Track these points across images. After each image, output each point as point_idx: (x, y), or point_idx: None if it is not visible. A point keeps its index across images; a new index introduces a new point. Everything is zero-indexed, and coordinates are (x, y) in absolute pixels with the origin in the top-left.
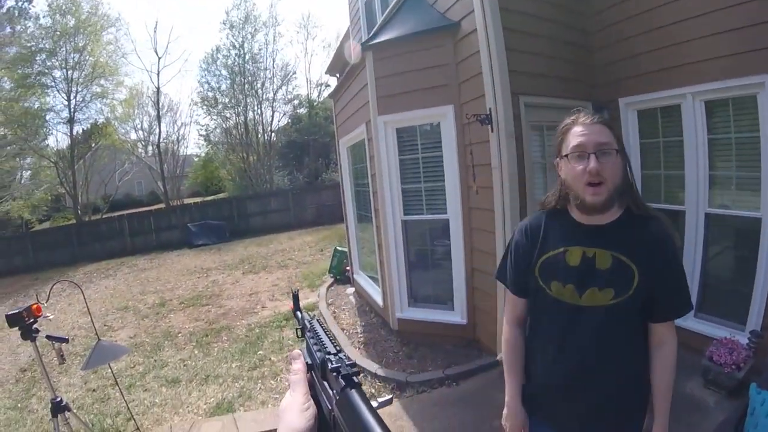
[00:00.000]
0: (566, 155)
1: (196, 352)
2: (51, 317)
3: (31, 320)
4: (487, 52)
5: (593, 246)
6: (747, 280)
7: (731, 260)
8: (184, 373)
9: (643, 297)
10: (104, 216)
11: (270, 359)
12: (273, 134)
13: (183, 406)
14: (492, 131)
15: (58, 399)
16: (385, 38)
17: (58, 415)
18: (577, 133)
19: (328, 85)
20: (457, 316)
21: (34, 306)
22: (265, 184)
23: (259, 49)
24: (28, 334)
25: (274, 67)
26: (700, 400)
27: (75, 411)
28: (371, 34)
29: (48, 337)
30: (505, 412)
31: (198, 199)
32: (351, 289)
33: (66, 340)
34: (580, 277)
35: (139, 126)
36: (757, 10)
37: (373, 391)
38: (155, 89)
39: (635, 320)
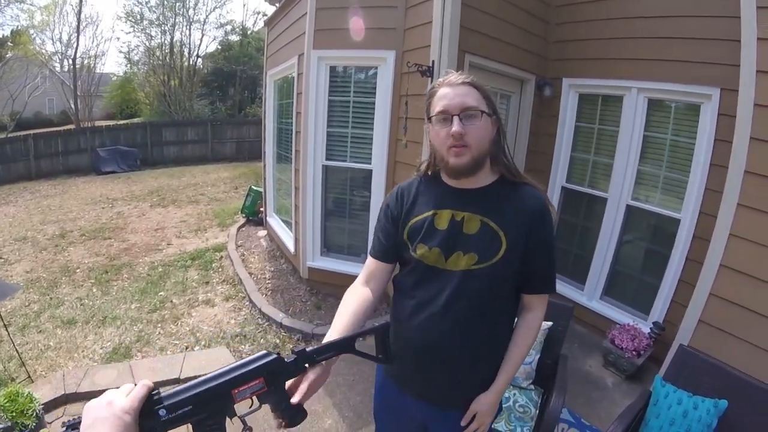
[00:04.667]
0: (431, 118)
1: (94, 290)
2: None
3: None
4: (440, 2)
5: (463, 210)
6: (656, 274)
7: (644, 253)
8: (80, 313)
9: (510, 266)
10: (9, 135)
11: (171, 301)
12: (199, 59)
13: (78, 350)
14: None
15: None
16: None
17: None
18: (442, 95)
19: (265, 14)
20: None
21: None
22: (184, 112)
23: None
24: None
25: None
26: (599, 378)
27: None
28: None
29: None
30: None
31: (111, 122)
32: (263, 232)
33: None
34: (447, 241)
35: (57, 38)
36: (721, 26)
37: (277, 341)
38: None
39: (500, 290)
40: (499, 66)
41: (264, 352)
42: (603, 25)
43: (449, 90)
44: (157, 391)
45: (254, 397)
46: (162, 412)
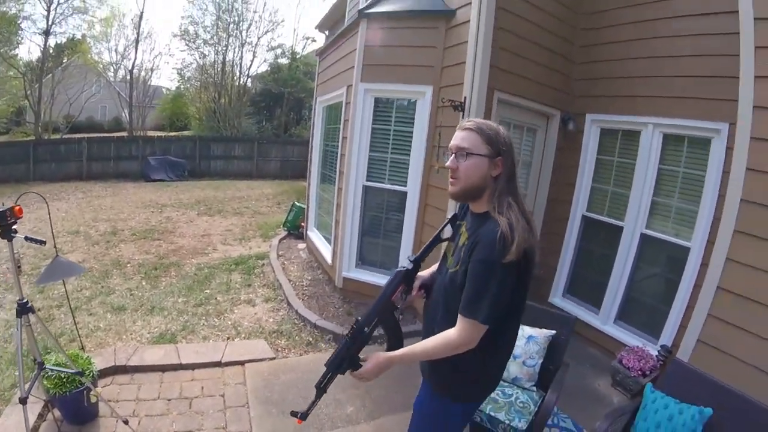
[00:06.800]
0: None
1: (143, 283)
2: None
3: (12, 221)
4: (474, 45)
5: (466, 227)
6: (667, 300)
7: (656, 279)
8: (130, 302)
9: (459, 279)
10: (64, 136)
11: (216, 298)
12: (249, 79)
13: (126, 333)
14: (462, 118)
15: (25, 301)
16: (382, 9)
17: (22, 316)
18: (454, 136)
19: (314, 40)
20: None
21: (17, 208)
22: (232, 129)
23: None
24: (7, 233)
25: (264, 11)
26: (606, 396)
27: (37, 314)
28: (369, 1)
29: (26, 238)
30: None
31: (162, 133)
32: (302, 245)
33: (44, 242)
34: (455, 248)
35: (114, 48)
36: (726, 64)
37: (310, 339)
38: (139, 13)
39: (451, 298)
40: (526, 102)
41: (395, 270)
42: (620, 65)
43: (457, 132)
44: (357, 319)
45: (401, 294)
46: (366, 329)
